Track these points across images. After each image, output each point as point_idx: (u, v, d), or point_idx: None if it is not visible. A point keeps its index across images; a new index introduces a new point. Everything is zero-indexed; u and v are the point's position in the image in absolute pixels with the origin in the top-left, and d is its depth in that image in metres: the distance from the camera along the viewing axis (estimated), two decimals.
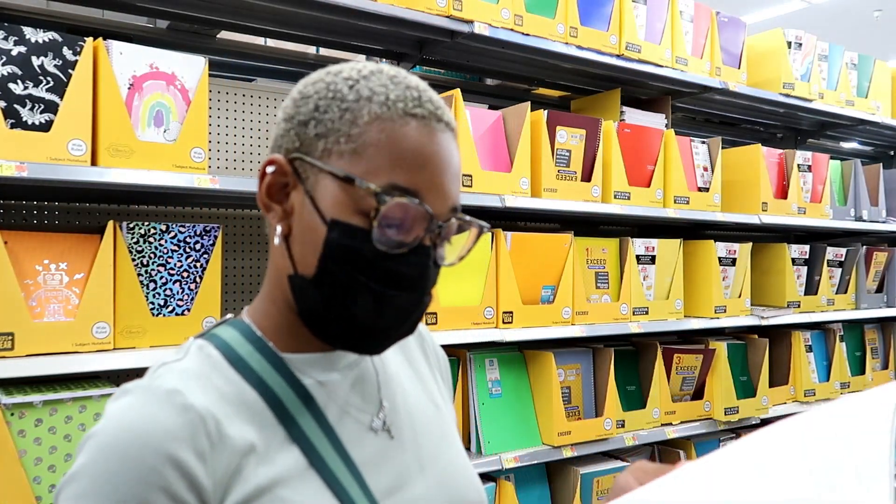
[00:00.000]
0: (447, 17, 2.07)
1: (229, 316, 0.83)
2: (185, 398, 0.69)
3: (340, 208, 0.70)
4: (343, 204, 0.70)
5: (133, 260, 1.69)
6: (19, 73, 1.52)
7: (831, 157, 3.25)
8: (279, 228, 0.74)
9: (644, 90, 2.86)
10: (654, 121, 2.78)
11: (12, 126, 1.51)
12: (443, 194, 0.72)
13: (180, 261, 1.76)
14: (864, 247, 3.37)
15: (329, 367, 0.79)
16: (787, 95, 3.02)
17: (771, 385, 2.95)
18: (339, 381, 0.79)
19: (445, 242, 0.77)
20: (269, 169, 0.74)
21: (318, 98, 0.74)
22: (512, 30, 2.20)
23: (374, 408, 0.81)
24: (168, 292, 1.74)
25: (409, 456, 0.81)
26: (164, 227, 1.74)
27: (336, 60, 2.71)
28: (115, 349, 1.64)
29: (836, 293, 3.26)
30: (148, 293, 1.71)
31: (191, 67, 1.72)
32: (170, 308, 1.74)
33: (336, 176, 0.70)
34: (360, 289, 0.71)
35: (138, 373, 2.03)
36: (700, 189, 2.72)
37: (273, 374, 0.75)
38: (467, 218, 0.76)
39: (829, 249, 3.18)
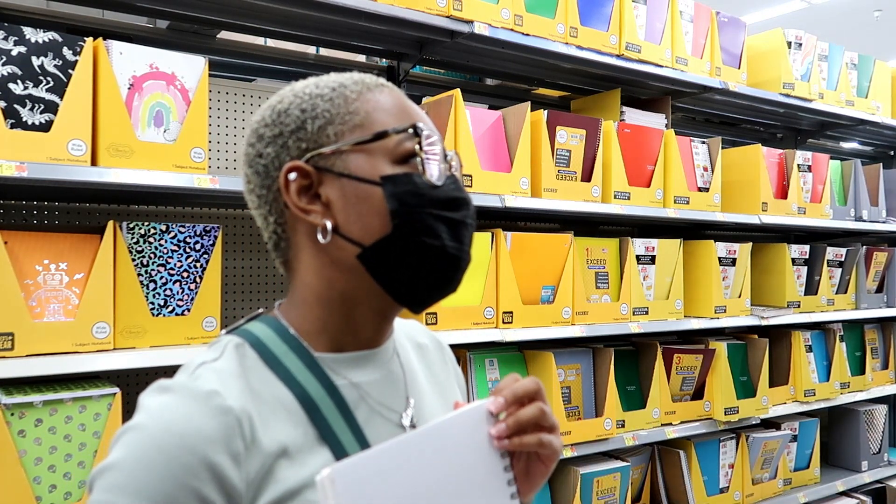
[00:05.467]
0: (447, 17, 2.07)
1: (261, 310, 0.84)
2: (223, 400, 0.70)
3: (381, 166, 0.77)
4: (380, 162, 0.77)
5: (133, 260, 1.69)
6: (19, 73, 1.52)
7: (831, 157, 3.25)
8: (329, 224, 0.77)
9: (644, 90, 2.86)
10: (654, 121, 2.77)
11: (12, 126, 1.51)
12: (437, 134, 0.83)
13: (180, 261, 1.76)
14: (864, 247, 3.37)
15: (362, 367, 0.81)
16: (787, 95, 3.02)
17: (771, 385, 2.95)
18: (371, 380, 0.81)
19: None
20: (292, 175, 0.77)
21: (296, 105, 0.79)
22: (512, 30, 2.19)
23: (403, 405, 0.83)
24: (168, 292, 1.74)
25: None
26: (164, 227, 1.74)
27: (336, 60, 2.70)
28: (115, 349, 1.64)
29: (836, 293, 3.26)
30: (148, 293, 1.71)
31: (191, 67, 1.72)
32: (170, 308, 1.74)
33: (365, 141, 0.77)
34: (433, 221, 0.77)
35: (138, 373, 2.04)
36: (700, 189, 2.72)
37: (307, 375, 0.77)
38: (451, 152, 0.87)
39: (829, 249, 3.18)
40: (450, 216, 0.78)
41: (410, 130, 0.78)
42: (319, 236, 0.76)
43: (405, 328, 0.98)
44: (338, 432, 0.75)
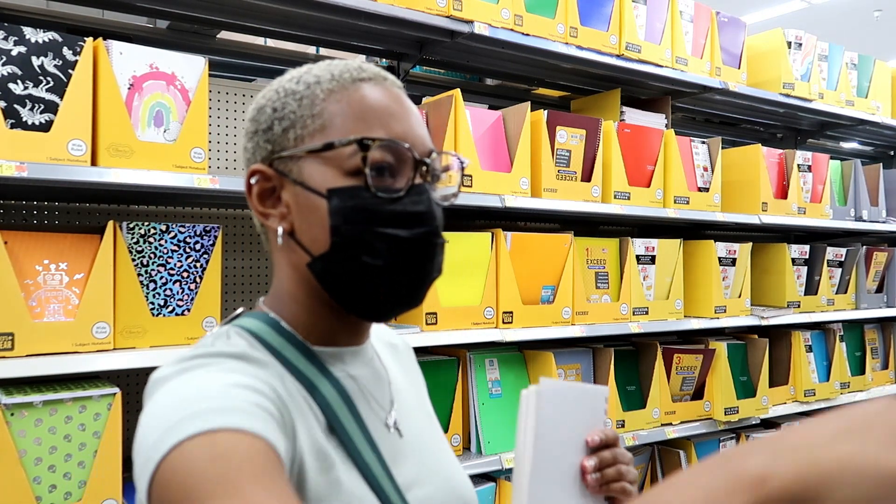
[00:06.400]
0: (447, 17, 2.07)
1: (241, 309, 0.82)
2: (257, 370, 0.69)
3: (331, 177, 0.74)
4: (332, 173, 0.74)
5: (133, 260, 1.69)
6: (19, 73, 1.52)
7: (831, 157, 3.25)
8: (281, 229, 0.76)
9: (644, 90, 2.86)
10: (654, 121, 2.77)
11: (12, 126, 1.51)
12: (415, 137, 0.77)
13: (180, 261, 1.76)
14: (864, 247, 3.37)
15: (355, 361, 0.81)
16: (787, 95, 3.02)
17: (771, 385, 2.95)
18: (363, 375, 0.81)
19: (437, 184, 0.80)
20: (253, 179, 0.77)
21: (272, 103, 0.78)
22: (512, 30, 2.20)
23: (388, 405, 0.83)
24: (168, 292, 1.74)
25: (417, 455, 0.82)
26: (164, 227, 1.74)
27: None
28: (115, 349, 1.64)
29: (836, 293, 3.26)
30: (148, 293, 1.71)
31: (191, 67, 1.72)
32: (170, 308, 1.74)
33: (316, 150, 0.74)
34: (376, 239, 0.73)
35: (138, 373, 2.04)
36: (700, 189, 2.72)
37: (307, 365, 0.76)
38: (451, 152, 0.82)
39: (829, 249, 3.18)
40: (397, 234, 0.73)
41: (355, 145, 0.73)
42: (279, 239, 0.76)
43: (374, 329, 0.96)
44: (344, 422, 0.74)
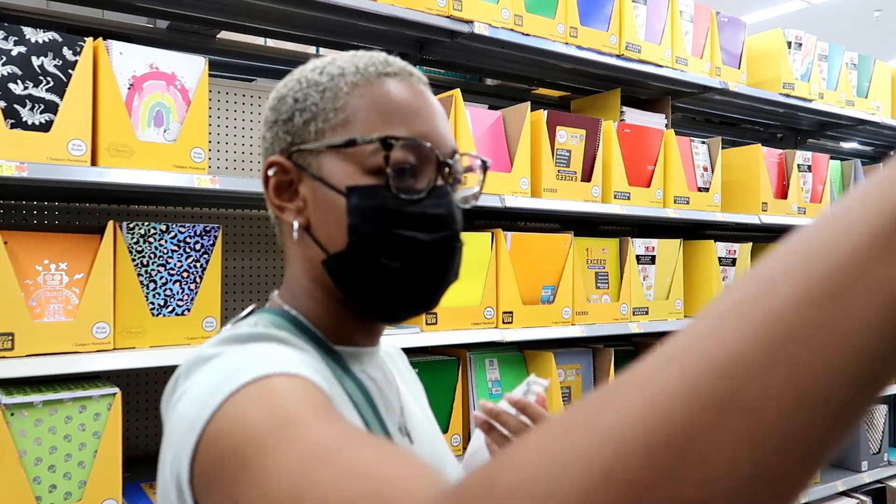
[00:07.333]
0: (447, 17, 2.07)
1: (253, 306, 0.80)
2: (303, 355, 0.66)
3: (351, 175, 0.71)
4: (352, 170, 0.72)
5: (133, 260, 1.69)
6: (19, 73, 1.52)
7: (831, 157, 3.25)
8: (296, 224, 0.74)
9: (644, 90, 2.86)
10: (654, 121, 2.78)
11: (12, 126, 1.51)
12: (439, 137, 0.74)
13: (180, 261, 1.76)
14: None
15: (371, 363, 0.79)
16: (787, 95, 3.02)
17: None
18: (379, 378, 0.79)
19: (458, 185, 0.78)
20: (271, 171, 0.75)
21: (293, 93, 0.76)
22: (512, 30, 2.20)
23: (399, 410, 0.81)
24: (168, 292, 1.74)
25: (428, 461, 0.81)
26: (164, 227, 1.74)
27: None
28: (115, 349, 1.64)
29: None
30: (148, 293, 1.71)
31: (191, 67, 1.72)
32: (170, 308, 1.74)
33: (337, 146, 0.72)
34: (395, 241, 0.71)
35: (138, 373, 2.04)
36: (700, 189, 2.72)
37: (332, 363, 0.73)
38: (473, 154, 0.80)
39: None
40: (416, 237, 0.71)
41: (378, 143, 0.70)
42: (294, 233, 0.75)
43: None
44: (369, 421, 0.72)
